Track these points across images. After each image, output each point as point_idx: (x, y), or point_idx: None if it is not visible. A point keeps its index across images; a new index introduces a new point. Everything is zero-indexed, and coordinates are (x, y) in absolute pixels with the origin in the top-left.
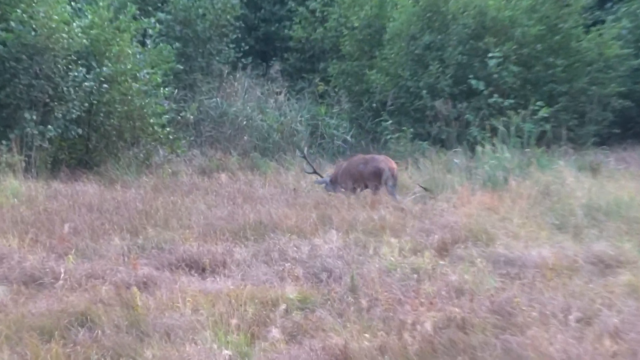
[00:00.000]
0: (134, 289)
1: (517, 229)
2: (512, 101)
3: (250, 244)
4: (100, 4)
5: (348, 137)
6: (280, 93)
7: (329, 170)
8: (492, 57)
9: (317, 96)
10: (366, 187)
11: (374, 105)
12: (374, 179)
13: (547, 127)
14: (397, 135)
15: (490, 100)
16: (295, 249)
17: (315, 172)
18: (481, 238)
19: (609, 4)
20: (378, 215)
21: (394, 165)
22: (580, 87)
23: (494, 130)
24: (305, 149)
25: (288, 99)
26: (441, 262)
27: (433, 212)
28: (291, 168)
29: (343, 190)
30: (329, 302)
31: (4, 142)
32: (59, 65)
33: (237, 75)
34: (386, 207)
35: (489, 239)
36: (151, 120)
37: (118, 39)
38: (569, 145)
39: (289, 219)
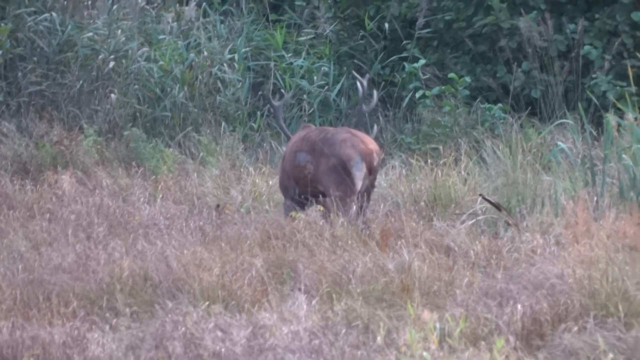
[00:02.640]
0: None
1: None
2: None
3: (123, 324)
4: None
5: (332, 95)
6: (187, 1)
7: None
8: None
9: (266, 7)
10: (322, 195)
11: (387, 26)
12: (335, 179)
13: None
14: (437, 90)
15: (639, 15)
16: (219, 334)
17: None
18: (614, 311)
19: None
20: (395, 261)
21: (374, 147)
22: None
23: None
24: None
25: (205, 15)
26: None
27: (513, 254)
28: (210, 161)
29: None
30: None
31: None
32: None
33: None
34: (413, 243)
35: (633, 314)
36: None
37: None
38: None
39: (207, 270)
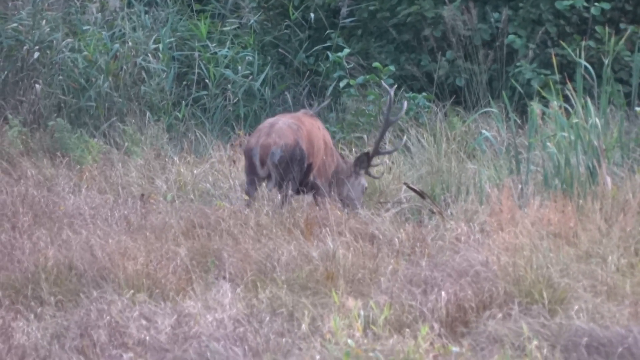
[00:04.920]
0: None
1: (617, 277)
2: (607, 5)
3: (48, 313)
4: None
5: (257, 85)
6: None
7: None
8: None
9: None
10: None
11: (313, 16)
12: (249, 167)
13: None
14: (361, 79)
15: (563, 4)
16: (144, 322)
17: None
18: (539, 298)
19: None
20: (319, 249)
21: (275, 141)
22: None
23: (566, 69)
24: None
25: (129, 5)
26: (454, 349)
27: (437, 242)
28: (135, 151)
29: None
30: None
31: None
32: None
33: None
34: (337, 231)
35: (557, 301)
36: None
37: None
38: None
39: (132, 259)
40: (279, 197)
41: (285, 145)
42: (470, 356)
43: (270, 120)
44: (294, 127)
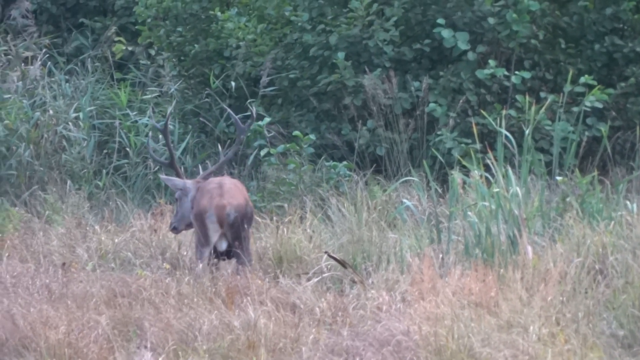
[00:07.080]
0: None
1: (538, 346)
2: (528, 74)
3: None
4: None
5: (178, 153)
6: (32, 60)
7: None
8: None
9: (111, 66)
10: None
11: (234, 84)
12: (200, 230)
13: (604, 129)
14: (281, 147)
15: (483, 73)
16: None
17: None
18: None
19: None
20: (241, 318)
21: (230, 202)
22: None
23: (487, 138)
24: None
25: (50, 74)
26: None
27: (359, 311)
28: (56, 219)
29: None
30: None
31: None
32: None
33: None
34: (259, 300)
35: None
36: None
37: None
38: None
39: (53, 328)
40: (233, 262)
41: (238, 205)
42: None
43: (215, 180)
44: (239, 185)
